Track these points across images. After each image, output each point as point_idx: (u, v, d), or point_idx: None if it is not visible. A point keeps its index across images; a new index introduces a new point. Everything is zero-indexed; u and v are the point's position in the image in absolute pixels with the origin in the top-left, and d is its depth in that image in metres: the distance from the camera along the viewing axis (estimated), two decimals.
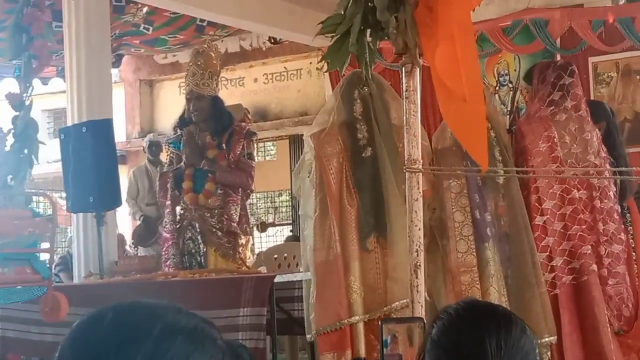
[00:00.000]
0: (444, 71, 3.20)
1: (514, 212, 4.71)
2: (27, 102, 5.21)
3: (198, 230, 6.32)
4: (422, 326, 2.05)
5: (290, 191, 11.78)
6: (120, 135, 11.20)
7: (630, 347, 4.84)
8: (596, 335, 4.66)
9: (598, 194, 4.83)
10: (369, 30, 3.40)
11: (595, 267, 4.73)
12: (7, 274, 4.70)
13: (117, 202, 6.72)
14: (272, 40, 11.52)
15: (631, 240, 5.18)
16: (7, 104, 5.19)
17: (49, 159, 13.08)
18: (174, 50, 11.38)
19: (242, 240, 6.36)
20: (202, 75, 6.35)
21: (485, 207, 4.71)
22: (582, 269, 4.70)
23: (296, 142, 11.62)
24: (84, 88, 7.26)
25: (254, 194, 8.27)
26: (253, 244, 6.96)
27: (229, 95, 9.89)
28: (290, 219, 12.13)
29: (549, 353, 4.60)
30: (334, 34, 3.42)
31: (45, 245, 4.97)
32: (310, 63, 11.24)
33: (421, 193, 3.43)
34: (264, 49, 11.78)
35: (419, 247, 3.39)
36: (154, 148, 9.63)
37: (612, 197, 4.91)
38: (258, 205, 12.64)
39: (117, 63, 10.84)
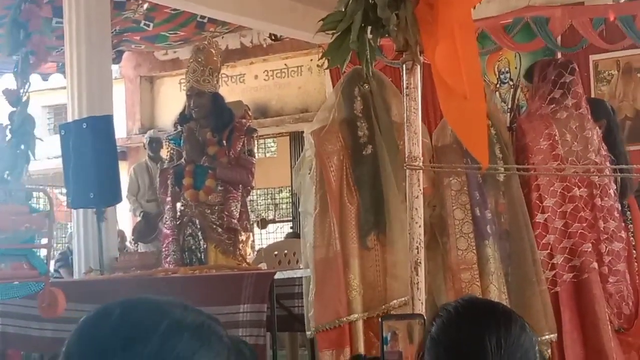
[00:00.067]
0: (445, 68, 3.20)
1: (515, 209, 4.71)
2: (24, 98, 5.21)
3: (198, 226, 6.32)
4: (422, 323, 2.05)
5: (290, 188, 11.79)
6: (120, 131, 11.21)
7: (630, 344, 4.84)
8: (597, 333, 4.66)
9: (598, 191, 4.83)
10: (369, 28, 3.40)
11: (595, 264, 4.73)
12: (4, 269, 4.70)
13: (117, 199, 6.72)
14: (273, 37, 11.52)
15: (631, 238, 5.19)
16: (4, 100, 5.19)
17: (49, 155, 13.09)
18: (174, 46, 11.38)
19: (243, 237, 6.36)
20: (203, 71, 6.35)
21: (486, 205, 4.71)
22: (583, 266, 4.71)
23: (296, 139, 11.63)
24: (84, 84, 7.26)
25: (254, 191, 8.28)
26: (253, 241, 6.96)
27: (229, 92, 9.87)
28: (291, 215, 12.14)
29: (549, 350, 4.60)
30: (334, 31, 3.41)
31: (44, 241, 4.98)
32: (311, 60, 11.24)
33: (421, 190, 3.43)
34: (264, 45, 11.78)
35: (420, 244, 3.39)
36: (155, 144, 9.63)
37: (613, 195, 4.91)
38: (258, 201, 12.65)
39: (117, 59, 10.84)
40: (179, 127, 6.54)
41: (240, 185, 6.37)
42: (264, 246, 8.68)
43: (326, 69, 3.86)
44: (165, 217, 6.53)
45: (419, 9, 3.27)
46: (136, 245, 9.72)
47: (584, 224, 4.76)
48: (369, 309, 4.59)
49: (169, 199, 6.44)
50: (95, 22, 7.39)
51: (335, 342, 4.58)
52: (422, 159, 3.44)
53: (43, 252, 4.96)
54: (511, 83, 8.86)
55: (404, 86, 3.43)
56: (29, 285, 4.90)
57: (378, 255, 4.65)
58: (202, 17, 9.75)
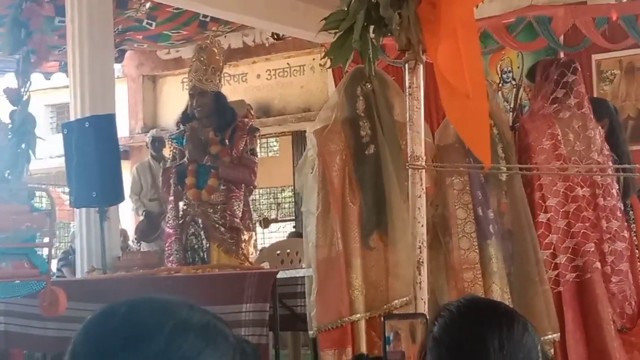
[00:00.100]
0: (447, 68, 3.20)
1: (517, 209, 4.71)
2: (25, 97, 5.21)
3: (201, 226, 6.32)
4: (425, 322, 2.05)
5: (293, 187, 11.79)
6: (123, 130, 11.21)
7: (633, 344, 4.84)
8: (599, 333, 4.66)
9: (601, 191, 4.83)
10: (372, 27, 3.40)
11: (598, 264, 4.73)
12: (5, 268, 4.70)
13: (119, 198, 6.72)
14: (275, 36, 11.51)
15: (634, 238, 5.18)
16: (5, 99, 5.19)
17: (51, 154, 13.12)
18: (177, 45, 11.38)
19: (245, 236, 6.36)
20: (205, 71, 6.35)
21: (488, 204, 4.70)
22: (586, 266, 4.70)
23: (299, 138, 11.62)
24: (87, 83, 7.26)
25: (256, 190, 8.29)
26: (256, 240, 6.95)
27: (231, 91, 9.88)
28: (293, 215, 12.14)
29: (552, 350, 4.60)
30: (337, 30, 3.41)
31: (47, 240, 4.98)
32: (314, 59, 11.24)
33: (424, 190, 3.42)
34: (267, 45, 11.78)
35: (422, 243, 3.39)
36: (157, 143, 9.63)
37: (615, 194, 4.91)
38: (261, 201, 12.65)
39: (120, 58, 10.85)
40: (181, 126, 6.54)
41: (243, 185, 6.37)
42: (267, 245, 8.68)
43: (328, 68, 3.87)
44: (168, 217, 6.53)
45: (421, 8, 3.27)
46: (139, 244, 9.73)
47: (587, 224, 4.75)
48: (371, 309, 4.59)
49: (171, 198, 6.44)
50: (98, 21, 7.39)
51: (337, 342, 4.58)
52: (424, 158, 3.44)
53: (45, 251, 4.97)
54: (514, 82, 8.85)
55: (407, 85, 3.43)
56: (30, 285, 4.90)
57: (380, 255, 4.64)
58: (205, 16, 9.76)
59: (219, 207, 6.28)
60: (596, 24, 6.92)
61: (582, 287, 4.72)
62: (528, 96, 5.43)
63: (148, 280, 5.64)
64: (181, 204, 6.45)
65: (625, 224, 5.00)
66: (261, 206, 12.65)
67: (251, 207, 6.66)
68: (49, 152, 13.26)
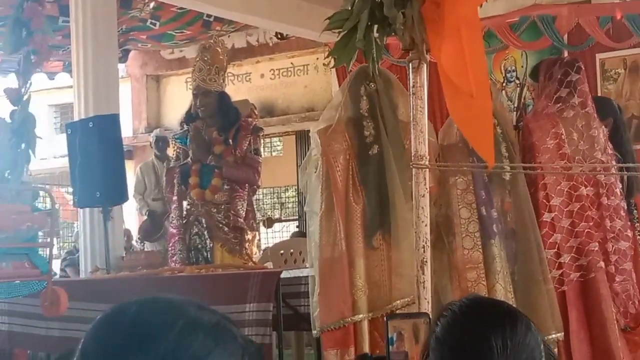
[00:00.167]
0: (451, 67, 3.20)
1: (521, 208, 4.71)
2: (25, 97, 5.21)
3: (204, 225, 6.33)
4: (428, 322, 2.05)
5: (296, 187, 11.79)
6: (126, 130, 11.22)
7: (637, 344, 4.83)
8: (603, 333, 4.65)
9: (605, 190, 4.82)
10: (376, 26, 3.40)
11: (602, 264, 4.72)
12: (5, 268, 4.71)
13: (123, 198, 6.73)
14: (279, 36, 11.51)
15: (638, 237, 5.17)
16: (5, 99, 5.20)
17: (55, 154, 13.13)
18: (180, 45, 11.39)
19: (249, 236, 6.36)
20: (209, 70, 6.35)
21: (492, 204, 4.70)
22: (590, 266, 4.70)
23: (303, 138, 11.63)
24: (90, 83, 7.27)
25: (260, 190, 8.27)
26: (259, 240, 6.96)
27: (235, 91, 9.88)
28: (297, 214, 12.14)
29: (555, 350, 4.59)
30: (341, 30, 3.41)
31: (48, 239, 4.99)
32: (317, 59, 11.23)
33: (428, 189, 3.42)
34: (270, 44, 11.79)
35: (426, 243, 3.39)
36: (161, 143, 9.63)
37: (619, 193, 4.90)
38: (264, 200, 12.65)
39: (123, 58, 10.86)
40: (185, 126, 6.55)
41: (247, 184, 6.38)
42: (270, 245, 8.67)
43: (332, 67, 3.86)
44: (172, 216, 6.54)
45: (425, 7, 3.27)
46: (142, 244, 9.73)
47: (591, 223, 4.75)
48: (374, 309, 4.58)
49: (175, 198, 6.45)
50: (102, 21, 7.40)
51: (340, 342, 4.58)
52: (428, 157, 3.44)
53: (48, 251, 4.97)
54: (517, 82, 8.84)
55: (411, 85, 3.43)
56: (32, 284, 4.91)
57: (383, 255, 4.64)
58: (209, 15, 9.77)
59: (222, 207, 6.29)
60: (600, 23, 6.90)
61: (586, 287, 4.71)
62: (532, 95, 5.42)
63: (151, 280, 5.65)
64: (185, 203, 6.45)
65: (629, 223, 5.00)
66: (265, 206, 12.65)
67: (255, 206, 6.66)
68: (53, 152, 13.28)
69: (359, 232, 4.65)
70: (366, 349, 4.52)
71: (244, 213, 6.30)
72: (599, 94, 7.99)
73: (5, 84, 6.11)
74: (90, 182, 6.29)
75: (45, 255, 4.92)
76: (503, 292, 4.58)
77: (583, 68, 5.05)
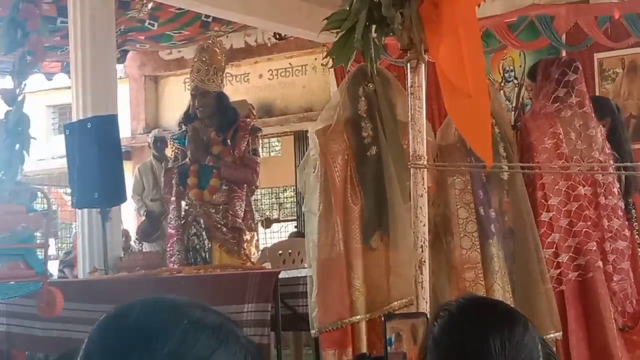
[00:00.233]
0: (449, 67, 3.20)
1: (519, 208, 4.71)
2: (20, 98, 5.21)
3: (203, 226, 6.33)
4: (426, 321, 2.04)
5: (294, 187, 11.79)
6: (125, 131, 11.22)
7: (635, 343, 4.84)
8: (602, 332, 4.65)
9: (602, 190, 4.83)
10: (374, 26, 3.39)
11: (600, 263, 4.72)
12: (0, 269, 4.71)
13: (122, 198, 6.73)
14: (277, 36, 11.52)
15: (637, 237, 5.18)
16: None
17: (53, 154, 13.12)
18: (179, 46, 11.39)
19: (247, 236, 6.36)
20: (207, 71, 6.35)
21: (490, 204, 4.70)
22: (588, 265, 4.70)
23: (301, 138, 11.62)
24: (89, 84, 7.27)
25: (258, 190, 8.28)
26: (258, 240, 6.95)
27: (233, 91, 9.88)
28: (295, 214, 12.14)
29: (554, 349, 4.59)
30: (339, 30, 3.41)
31: (49, 240, 4.99)
32: (315, 59, 11.24)
33: (426, 189, 3.42)
34: (269, 44, 11.79)
35: (424, 243, 3.38)
36: (159, 144, 9.63)
37: (616, 193, 4.90)
38: (263, 201, 12.65)
39: (122, 59, 10.86)
40: (183, 126, 6.55)
41: (245, 185, 6.38)
42: (269, 245, 8.67)
43: (330, 67, 3.86)
44: (170, 217, 6.54)
45: (423, 7, 3.27)
46: (140, 244, 9.73)
47: (589, 223, 4.75)
48: (372, 310, 4.58)
49: (173, 198, 6.45)
50: (100, 21, 7.40)
51: (337, 342, 4.58)
52: (426, 157, 3.44)
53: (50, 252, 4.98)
54: (516, 82, 8.85)
55: (409, 85, 3.42)
56: (28, 285, 4.91)
57: (381, 256, 4.63)
58: (207, 16, 9.76)
59: (221, 207, 6.29)
60: (598, 23, 6.91)
61: (585, 286, 4.71)
62: (530, 95, 5.43)
63: (150, 280, 5.65)
64: (183, 204, 6.45)
65: (627, 222, 5.00)
66: (263, 206, 12.64)
67: (253, 207, 6.66)
68: (51, 153, 13.27)
69: (357, 233, 4.64)
70: (364, 349, 4.52)
71: (242, 213, 6.30)
72: (597, 94, 7.99)
73: (1, 84, 6.11)
74: (88, 182, 6.28)
75: (41, 256, 4.92)
76: (501, 291, 4.58)
77: (580, 68, 5.06)
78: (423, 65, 3.40)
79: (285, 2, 9.17)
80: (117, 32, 8.36)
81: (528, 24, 7.15)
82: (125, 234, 9.46)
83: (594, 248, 4.72)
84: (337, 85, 6.66)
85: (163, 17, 9.73)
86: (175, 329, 1.09)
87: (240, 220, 6.27)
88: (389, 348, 2.04)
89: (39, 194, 6.09)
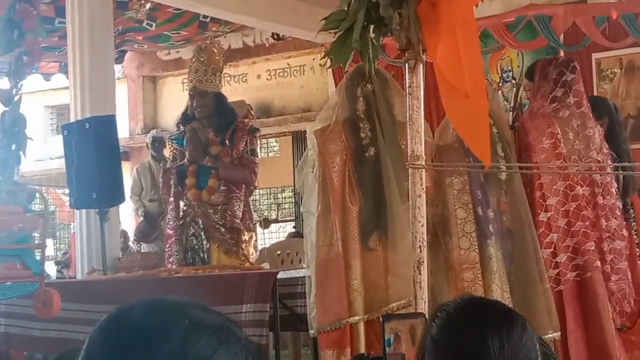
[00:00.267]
0: (447, 67, 3.20)
1: (517, 208, 4.71)
2: (17, 98, 5.20)
3: (201, 226, 6.32)
4: (424, 322, 2.04)
5: (293, 187, 11.79)
6: (123, 131, 11.21)
7: (633, 343, 4.84)
8: (600, 332, 4.66)
9: (600, 190, 4.83)
10: (372, 26, 3.40)
11: (599, 263, 4.72)
12: None
13: (120, 199, 6.72)
14: (275, 37, 11.52)
15: (634, 237, 5.18)
16: None
17: (52, 155, 13.12)
18: (177, 46, 11.38)
19: (245, 237, 6.36)
20: (205, 71, 6.35)
21: (488, 204, 4.70)
22: (586, 265, 4.70)
23: (299, 139, 11.62)
24: (87, 84, 7.27)
25: (257, 190, 8.27)
26: (256, 240, 6.95)
27: (232, 92, 9.88)
28: (293, 215, 12.14)
29: (552, 349, 4.59)
30: (337, 30, 3.41)
31: (47, 241, 4.99)
32: (314, 59, 11.24)
33: (424, 189, 3.42)
34: (267, 45, 11.79)
35: (422, 243, 3.38)
36: (157, 144, 9.63)
37: (614, 193, 4.90)
38: (261, 201, 12.65)
39: (120, 59, 10.85)
40: (181, 127, 6.54)
41: (243, 185, 6.37)
42: (267, 246, 8.67)
43: (329, 68, 3.87)
44: (168, 217, 6.53)
45: (421, 7, 3.27)
46: (139, 245, 9.73)
47: (587, 223, 4.75)
48: (370, 311, 4.58)
49: (171, 199, 6.44)
50: (98, 22, 7.40)
51: (336, 343, 4.58)
52: (424, 157, 3.44)
53: (49, 252, 4.97)
54: (514, 81, 8.85)
55: (407, 85, 3.42)
56: (25, 286, 4.90)
57: (379, 256, 4.63)
58: (205, 16, 9.76)
59: (219, 208, 6.29)
60: (596, 23, 6.92)
61: (583, 286, 4.71)
62: (528, 95, 5.43)
63: (148, 281, 5.65)
64: (181, 204, 6.45)
65: (624, 222, 5.00)
66: (261, 206, 12.65)
67: (251, 207, 6.66)
68: (49, 154, 13.27)
69: (355, 233, 4.64)
70: (362, 349, 4.52)
71: (240, 214, 6.30)
72: (595, 94, 8.00)
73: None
74: (86, 183, 6.28)
75: (38, 257, 4.91)
76: (500, 292, 4.58)
77: (578, 68, 5.06)
78: (421, 65, 3.40)
79: (283, 3, 9.17)
80: (115, 32, 8.36)
81: (526, 24, 7.16)
82: (124, 235, 9.47)
83: (592, 248, 4.72)
84: (335, 86, 6.67)
85: (161, 17, 9.72)
86: (177, 329, 1.09)
87: (238, 221, 6.27)
88: (387, 349, 2.04)
89: (37, 194, 6.09)
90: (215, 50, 6.51)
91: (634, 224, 5.28)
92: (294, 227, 11.53)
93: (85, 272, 6.92)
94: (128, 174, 9.69)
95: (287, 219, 12.44)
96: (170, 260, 6.38)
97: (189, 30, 10.17)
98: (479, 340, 1.65)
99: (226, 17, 9.55)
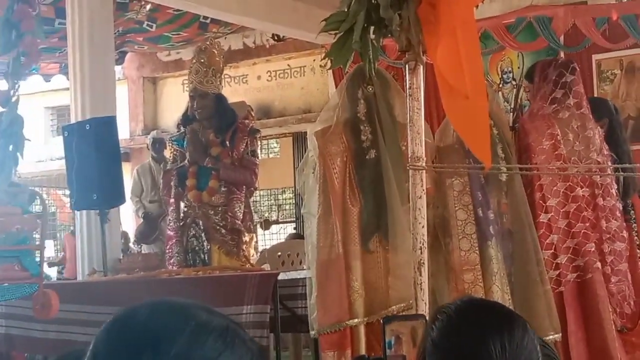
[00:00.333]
0: (447, 68, 3.20)
1: (517, 209, 4.71)
2: (14, 99, 5.20)
3: (202, 227, 6.32)
4: (424, 323, 2.04)
5: (293, 188, 11.79)
6: (123, 132, 11.21)
7: (634, 344, 4.84)
8: (601, 333, 4.65)
9: (600, 191, 4.83)
10: (372, 28, 3.40)
11: (599, 264, 4.72)
12: None
13: (120, 200, 6.72)
14: (276, 38, 11.52)
15: (635, 237, 5.18)
16: None
17: (52, 156, 13.12)
18: (177, 47, 11.38)
19: (246, 238, 6.36)
20: (206, 72, 6.35)
21: (488, 205, 4.70)
22: (587, 266, 4.70)
23: (299, 140, 11.62)
24: (87, 85, 7.27)
25: (257, 192, 8.27)
26: (256, 242, 6.95)
27: (232, 93, 9.88)
28: (294, 216, 12.13)
29: (554, 351, 4.58)
30: (337, 31, 3.41)
31: (48, 242, 4.98)
32: (314, 60, 11.24)
33: (425, 190, 3.42)
34: (267, 46, 11.79)
35: (423, 244, 3.38)
36: (158, 145, 9.62)
37: (614, 194, 4.90)
38: (261, 202, 12.65)
39: (120, 60, 10.85)
40: (182, 128, 6.54)
41: (244, 186, 6.37)
42: (267, 247, 8.68)
43: (329, 69, 3.87)
44: (169, 219, 6.53)
45: (421, 9, 3.27)
46: (139, 246, 9.73)
47: (587, 224, 4.75)
48: (371, 314, 4.57)
49: (172, 200, 6.44)
50: (98, 23, 7.40)
51: (336, 344, 4.58)
52: (425, 159, 3.44)
53: (49, 253, 4.98)
54: (514, 83, 8.85)
55: (407, 86, 3.43)
56: (23, 287, 4.90)
57: (380, 259, 4.63)
58: (205, 17, 9.76)
59: (219, 209, 6.28)
60: (596, 24, 6.91)
61: (583, 287, 4.71)
62: (528, 96, 5.42)
63: (149, 282, 5.64)
64: (182, 205, 6.45)
65: (625, 223, 5.00)
66: (262, 208, 12.64)
67: (252, 208, 6.66)
68: (50, 155, 13.27)
69: (355, 235, 4.64)
70: (363, 351, 4.51)
71: (241, 215, 6.30)
72: (596, 95, 8.00)
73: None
74: (87, 184, 6.28)
75: (37, 258, 4.91)
76: (500, 293, 4.57)
77: (578, 69, 5.06)
78: (421, 66, 3.40)
79: (283, 4, 9.17)
80: (115, 33, 8.36)
81: (526, 25, 7.14)
82: (124, 236, 9.46)
83: (593, 249, 4.72)
84: (336, 87, 6.66)
85: (161, 18, 9.72)
86: (183, 331, 1.10)
87: (239, 222, 6.27)
88: (388, 351, 2.04)
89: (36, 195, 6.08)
90: (216, 52, 6.51)
91: (634, 225, 5.28)
92: (295, 229, 11.52)
93: (85, 274, 6.92)
94: (128, 175, 9.69)
95: (287, 220, 12.43)
96: (171, 261, 6.38)
97: (189, 32, 10.17)
98: (480, 343, 1.64)
99: (226, 18, 9.55)
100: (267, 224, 11.06)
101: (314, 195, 4.76)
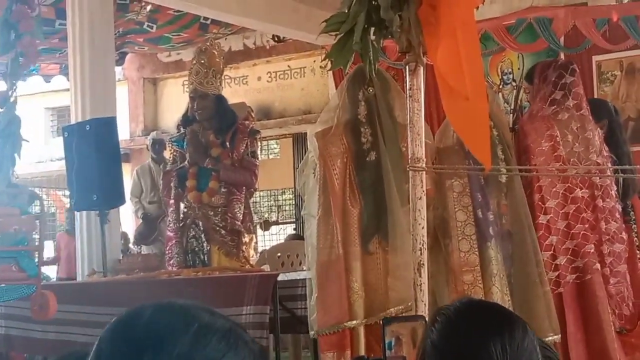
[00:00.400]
0: (448, 70, 3.20)
1: (517, 211, 4.71)
2: (12, 100, 5.20)
3: (202, 228, 6.32)
4: (424, 324, 2.04)
5: (293, 189, 11.79)
6: (123, 133, 11.21)
7: (633, 346, 4.84)
8: (600, 334, 4.65)
9: (600, 193, 4.83)
10: (372, 29, 3.40)
11: (598, 265, 4.72)
12: None
13: (120, 201, 6.73)
14: (276, 39, 11.52)
15: (635, 239, 5.18)
16: None
17: (52, 157, 13.12)
18: (177, 48, 11.39)
19: (246, 239, 6.36)
20: (206, 73, 6.35)
21: (488, 206, 4.70)
22: (586, 267, 4.70)
23: (299, 141, 11.62)
24: (87, 86, 7.26)
25: (257, 193, 8.27)
26: (256, 242, 6.95)
27: (232, 94, 9.88)
28: (294, 217, 12.14)
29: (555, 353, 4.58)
30: (337, 33, 3.41)
31: (47, 243, 4.99)
32: (314, 61, 11.24)
33: (425, 192, 3.42)
34: (267, 47, 11.79)
35: (423, 245, 3.38)
36: (158, 146, 9.62)
37: (614, 196, 4.91)
38: (261, 203, 12.65)
39: (120, 61, 10.85)
40: (182, 129, 6.54)
41: (244, 187, 6.38)
42: (267, 248, 8.67)
43: (329, 70, 3.87)
44: (169, 220, 6.53)
45: (421, 10, 3.27)
46: (139, 247, 9.73)
47: (586, 225, 4.75)
48: (370, 315, 4.57)
49: (172, 201, 6.44)
50: (99, 24, 7.40)
51: (336, 345, 4.57)
52: (425, 160, 3.44)
53: (49, 254, 4.98)
54: (514, 84, 8.85)
55: (407, 87, 3.43)
56: (21, 288, 4.90)
57: (380, 260, 4.63)
58: (205, 18, 9.76)
59: (219, 210, 6.28)
60: (597, 25, 6.90)
61: (583, 289, 4.71)
62: (528, 98, 5.43)
63: (148, 283, 5.64)
64: (182, 206, 6.45)
65: (624, 225, 5.00)
66: (262, 208, 12.64)
67: (252, 209, 6.66)
68: (50, 155, 13.27)
69: (355, 236, 4.64)
70: (362, 351, 4.51)
71: (241, 216, 6.30)
72: (596, 96, 7.99)
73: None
74: (87, 185, 6.28)
75: (35, 259, 4.91)
76: (500, 294, 4.58)
77: (577, 70, 5.06)
78: (421, 67, 3.40)
79: (283, 5, 9.18)
80: (115, 34, 8.36)
81: (526, 26, 7.14)
82: (124, 237, 9.46)
83: (592, 250, 4.72)
84: (336, 88, 6.66)
85: (162, 19, 9.73)
86: (186, 332, 1.10)
87: (239, 223, 6.27)
88: (388, 352, 2.04)
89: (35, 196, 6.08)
90: (216, 52, 6.51)
91: (634, 226, 5.28)
92: (295, 229, 11.52)
93: (85, 274, 6.92)
94: (128, 175, 9.69)
95: (287, 221, 12.43)
96: (171, 262, 6.38)
97: (189, 32, 10.18)
98: (480, 344, 1.64)
99: (227, 19, 9.55)
100: (267, 225, 11.06)
101: (314, 196, 4.76)
